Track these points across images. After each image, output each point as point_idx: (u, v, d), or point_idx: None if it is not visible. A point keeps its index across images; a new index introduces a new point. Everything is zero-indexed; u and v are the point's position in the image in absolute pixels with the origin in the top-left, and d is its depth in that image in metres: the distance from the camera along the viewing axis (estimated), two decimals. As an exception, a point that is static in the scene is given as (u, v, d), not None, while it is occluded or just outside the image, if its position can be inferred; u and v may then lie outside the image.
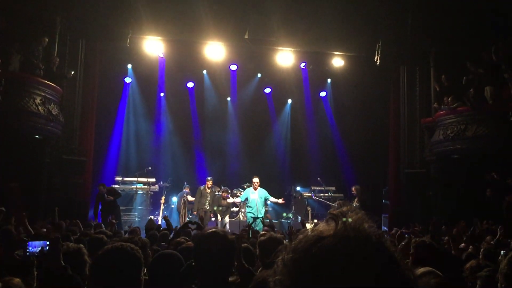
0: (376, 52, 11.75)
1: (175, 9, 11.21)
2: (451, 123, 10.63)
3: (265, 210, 11.69)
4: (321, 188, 13.62)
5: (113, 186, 11.85)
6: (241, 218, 12.20)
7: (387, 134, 13.00)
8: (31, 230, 5.16)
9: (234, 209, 12.56)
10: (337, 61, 12.66)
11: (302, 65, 13.19)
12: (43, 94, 9.40)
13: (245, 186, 12.42)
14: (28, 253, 3.16)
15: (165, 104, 14.97)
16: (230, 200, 11.51)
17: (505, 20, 10.20)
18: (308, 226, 7.05)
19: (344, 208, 0.76)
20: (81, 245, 3.21)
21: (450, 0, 11.18)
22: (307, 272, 0.68)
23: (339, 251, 0.68)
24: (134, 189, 12.70)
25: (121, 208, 11.25)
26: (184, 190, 12.45)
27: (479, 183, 9.95)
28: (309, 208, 11.95)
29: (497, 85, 9.99)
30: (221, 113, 15.46)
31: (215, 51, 11.95)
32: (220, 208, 11.07)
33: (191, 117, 15.16)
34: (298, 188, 14.35)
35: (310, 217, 11.24)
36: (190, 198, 11.83)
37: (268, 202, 11.59)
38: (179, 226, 10.68)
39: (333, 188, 13.72)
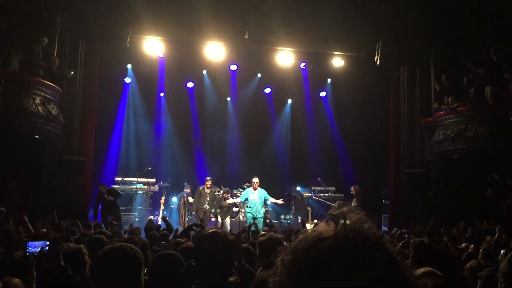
0: (376, 52, 11.74)
1: (175, 9, 11.21)
2: (451, 123, 10.62)
3: (265, 210, 11.69)
4: (321, 188, 13.63)
5: (113, 186, 11.85)
6: (241, 218, 12.20)
7: (387, 134, 13.00)
8: (32, 229, 5.16)
9: (234, 209, 12.56)
10: (337, 61, 12.65)
11: (302, 65, 13.20)
12: (43, 94, 9.40)
13: (245, 186, 12.42)
14: (28, 254, 3.16)
15: (165, 104, 14.97)
16: (230, 200, 11.51)
17: (505, 20, 10.20)
18: (308, 226, 7.05)
19: (344, 209, 0.76)
20: (82, 246, 3.21)
21: (450, 0, 11.18)
22: (306, 273, 0.68)
23: (339, 252, 0.68)
24: (134, 189, 12.70)
25: (121, 208, 11.25)
26: (185, 190, 12.45)
27: (479, 183, 9.95)
28: (309, 208, 11.95)
29: (497, 85, 9.99)
30: (221, 113, 15.47)
31: (215, 51, 11.95)
32: (219, 210, 11.05)
33: (191, 117, 15.17)
34: (298, 188, 14.36)
35: (310, 217, 11.24)
36: (190, 199, 11.83)
37: (268, 203, 11.58)
38: (179, 227, 10.73)
39: (333, 188, 13.73)
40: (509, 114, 9.51)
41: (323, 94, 15.31)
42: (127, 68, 13.86)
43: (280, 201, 11.08)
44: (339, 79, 13.90)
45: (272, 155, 15.49)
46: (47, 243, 3.14)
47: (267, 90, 15.35)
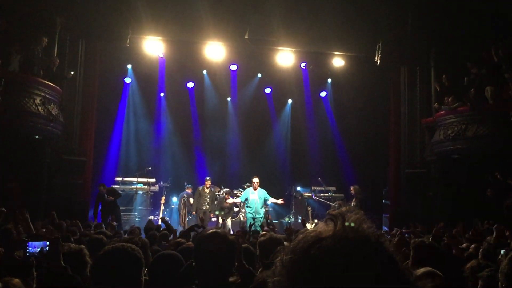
0: (376, 52, 11.74)
1: (175, 9, 11.21)
2: (452, 123, 10.62)
3: (265, 210, 11.69)
4: (321, 188, 13.63)
5: (113, 186, 11.85)
6: (241, 218, 12.20)
7: (388, 134, 13.00)
8: (33, 228, 5.16)
9: (235, 209, 12.55)
10: (337, 61, 12.65)
11: (302, 65, 13.20)
12: (43, 94, 9.40)
13: (245, 186, 12.41)
14: (28, 254, 3.16)
15: (165, 104, 14.97)
16: (231, 200, 11.51)
17: (505, 20, 10.20)
18: (309, 226, 7.06)
19: (343, 209, 0.76)
20: (83, 246, 3.21)
21: (450, 0, 11.18)
22: (306, 273, 0.68)
23: (338, 251, 0.68)
24: (134, 189, 12.70)
25: (121, 208, 11.25)
26: (186, 190, 12.45)
27: (479, 183, 9.95)
28: (309, 208, 11.94)
29: (498, 85, 9.98)
30: (221, 113, 15.47)
31: (215, 51, 11.95)
32: (222, 212, 11.05)
33: (191, 117, 15.17)
34: (298, 188, 14.36)
35: (310, 217, 11.23)
36: (191, 200, 11.82)
37: (268, 203, 11.58)
38: (179, 227, 10.73)
39: (334, 188, 13.73)
40: (509, 114, 9.51)
41: (323, 94, 15.31)
42: (127, 68, 13.87)
43: (280, 201, 11.07)
44: (339, 79, 13.89)
45: (272, 155, 15.49)
46: (47, 243, 3.14)
47: (267, 90, 15.35)
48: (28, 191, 8.93)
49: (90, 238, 4.56)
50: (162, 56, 12.64)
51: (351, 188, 10.81)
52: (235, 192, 12.92)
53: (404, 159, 12.10)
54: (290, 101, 15.89)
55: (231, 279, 2.33)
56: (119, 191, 11.29)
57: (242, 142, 15.10)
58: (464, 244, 5.62)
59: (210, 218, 11.56)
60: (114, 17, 10.64)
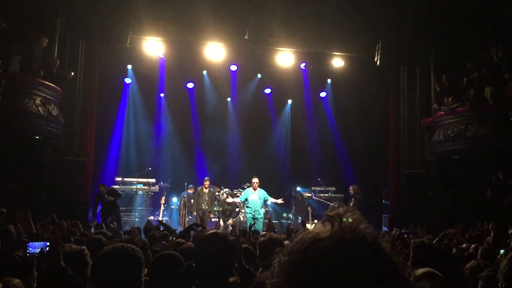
0: (376, 52, 11.74)
1: (175, 9, 11.21)
2: (451, 123, 10.62)
3: (265, 210, 11.69)
4: (321, 189, 13.63)
5: (113, 186, 11.85)
6: (241, 218, 12.20)
7: (387, 134, 12.99)
8: (33, 227, 5.17)
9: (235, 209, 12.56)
10: (337, 62, 12.66)
11: (302, 65, 13.21)
12: (43, 95, 9.40)
13: (245, 187, 12.42)
14: (28, 254, 3.17)
15: (165, 105, 14.97)
16: (230, 200, 11.51)
17: (505, 20, 10.20)
18: (309, 226, 7.06)
19: (340, 209, 0.76)
20: (84, 247, 3.22)
21: (450, 0, 11.18)
22: (303, 274, 0.69)
23: (335, 252, 0.68)
24: (134, 189, 12.70)
25: (121, 208, 11.25)
26: (188, 191, 12.45)
27: (479, 183, 9.95)
28: (309, 209, 11.96)
29: (497, 85, 9.98)
30: (221, 113, 15.46)
31: (215, 51, 11.95)
32: (222, 208, 11.06)
33: (191, 117, 15.17)
34: (298, 188, 14.35)
35: (310, 217, 11.24)
36: (192, 201, 11.82)
37: (268, 203, 11.59)
38: (179, 227, 10.73)
39: (333, 188, 13.73)
40: (509, 114, 9.51)
41: (323, 94, 15.31)
42: (127, 69, 13.87)
43: (279, 201, 11.08)
44: (339, 80, 13.90)
45: (272, 155, 15.48)
46: (47, 243, 3.14)
47: (267, 91, 15.35)
48: (28, 191, 8.93)
49: (89, 238, 4.57)
50: (162, 56, 12.64)
51: (350, 188, 10.85)
52: (235, 192, 12.92)
53: (403, 159, 12.10)
54: (290, 101, 15.89)
55: (231, 279, 2.34)
56: (119, 192, 11.30)
57: (242, 143, 15.10)
58: (464, 245, 5.62)
59: (210, 218, 11.56)
60: (114, 18, 10.63)
